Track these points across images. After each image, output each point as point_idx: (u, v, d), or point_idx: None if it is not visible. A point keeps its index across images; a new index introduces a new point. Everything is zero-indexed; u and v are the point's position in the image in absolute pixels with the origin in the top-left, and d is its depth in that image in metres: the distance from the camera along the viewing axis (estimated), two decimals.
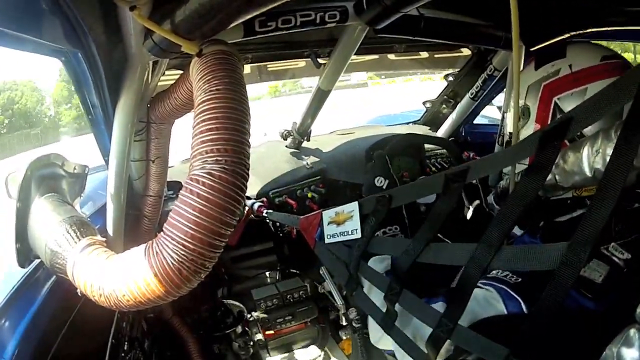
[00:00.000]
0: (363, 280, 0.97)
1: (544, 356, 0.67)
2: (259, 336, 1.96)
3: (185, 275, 0.72)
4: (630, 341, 0.60)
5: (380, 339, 1.04)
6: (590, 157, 0.85)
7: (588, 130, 0.91)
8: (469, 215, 1.48)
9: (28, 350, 0.90)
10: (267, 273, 2.12)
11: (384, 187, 1.27)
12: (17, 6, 0.75)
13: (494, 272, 0.85)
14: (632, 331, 0.60)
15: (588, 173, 0.86)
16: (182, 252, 0.71)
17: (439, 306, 0.82)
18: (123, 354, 1.24)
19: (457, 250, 0.73)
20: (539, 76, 1.04)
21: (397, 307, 0.88)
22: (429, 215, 0.80)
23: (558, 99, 0.99)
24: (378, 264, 1.05)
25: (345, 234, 0.96)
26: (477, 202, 1.48)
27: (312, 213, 1.08)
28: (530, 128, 1.05)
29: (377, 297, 0.95)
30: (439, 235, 1.12)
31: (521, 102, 1.07)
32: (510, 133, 1.10)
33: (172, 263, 0.71)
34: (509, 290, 0.81)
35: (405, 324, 0.90)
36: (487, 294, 0.83)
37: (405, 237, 1.16)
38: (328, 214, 1.01)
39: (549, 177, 0.90)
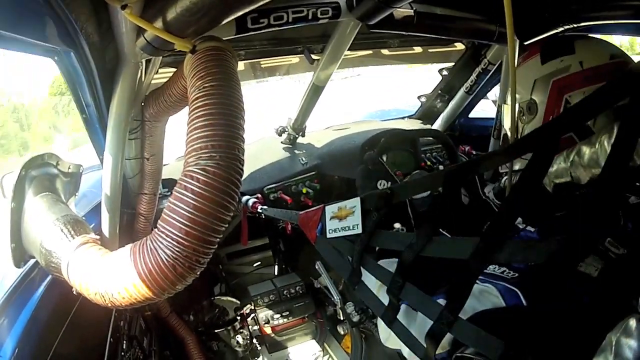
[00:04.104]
0: (365, 274, 0.97)
1: (540, 350, 0.67)
2: (257, 332, 1.96)
3: (180, 271, 0.72)
4: (629, 331, 0.59)
5: (389, 339, 1.04)
6: (609, 150, 0.82)
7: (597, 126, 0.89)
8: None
9: (28, 350, 0.90)
10: (263, 269, 2.12)
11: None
12: (8, 6, 0.74)
13: (490, 267, 0.85)
14: (632, 321, 0.59)
15: None
16: (177, 249, 0.71)
17: (442, 301, 0.82)
18: (122, 353, 1.24)
19: (460, 244, 0.73)
20: (546, 71, 1.01)
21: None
22: (432, 211, 0.80)
23: (569, 96, 0.98)
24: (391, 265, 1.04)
25: (347, 229, 0.96)
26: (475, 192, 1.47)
27: (312, 208, 1.07)
28: (537, 124, 1.03)
29: (380, 290, 0.95)
30: (440, 229, 1.12)
31: (527, 97, 1.04)
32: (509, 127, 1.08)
33: (166, 260, 0.71)
34: (506, 284, 0.81)
35: (407, 317, 0.90)
36: (485, 289, 0.83)
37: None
38: (331, 209, 1.00)
39: (564, 174, 0.91)
